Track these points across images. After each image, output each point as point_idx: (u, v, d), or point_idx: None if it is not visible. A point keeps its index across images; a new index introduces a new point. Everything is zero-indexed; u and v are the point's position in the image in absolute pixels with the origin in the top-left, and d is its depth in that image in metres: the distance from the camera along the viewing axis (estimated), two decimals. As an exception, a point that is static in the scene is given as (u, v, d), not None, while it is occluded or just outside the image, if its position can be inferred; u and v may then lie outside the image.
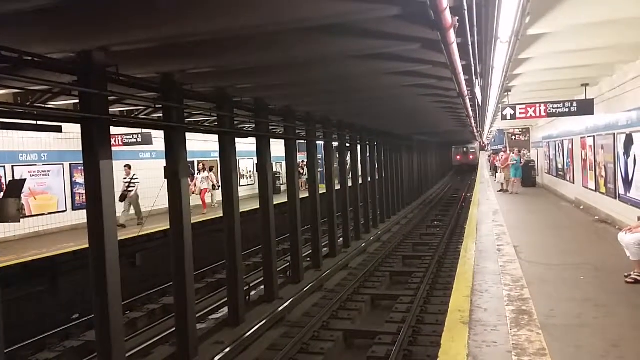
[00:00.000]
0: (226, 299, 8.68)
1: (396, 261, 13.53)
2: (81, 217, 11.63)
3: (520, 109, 10.81)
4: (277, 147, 12.41)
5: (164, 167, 7.02)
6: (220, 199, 8.85)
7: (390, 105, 11.78)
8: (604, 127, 10.51)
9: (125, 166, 12.72)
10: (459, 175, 47.72)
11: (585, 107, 10.34)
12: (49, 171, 11.95)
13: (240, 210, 8.75)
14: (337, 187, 15.01)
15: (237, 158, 8.99)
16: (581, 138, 12.94)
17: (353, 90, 9.30)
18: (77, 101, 6.27)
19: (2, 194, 7.31)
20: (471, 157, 50.09)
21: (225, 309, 8.82)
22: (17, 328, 7.82)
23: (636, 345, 4.21)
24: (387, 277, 11.86)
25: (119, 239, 5.86)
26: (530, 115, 10.81)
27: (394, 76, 7.80)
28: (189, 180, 9.22)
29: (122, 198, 12.23)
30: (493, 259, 7.47)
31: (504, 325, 4.68)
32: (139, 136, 12.98)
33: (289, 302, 9.54)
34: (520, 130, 27.28)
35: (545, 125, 19.01)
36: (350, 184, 16.61)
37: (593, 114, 10.38)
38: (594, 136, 11.52)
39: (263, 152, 9.78)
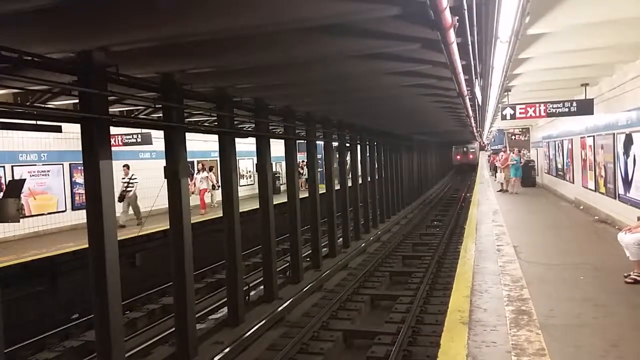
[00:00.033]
0: (226, 299, 8.68)
1: (396, 261, 13.53)
2: (81, 217, 11.63)
3: (520, 108, 10.82)
4: (277, 147, 12.41)
5: (164, 167, 7.02)
6: (220, 198, 8.84)
7: (390, 105, 11.78)
8: (604, 127, 10.51)
9: (123, 166, 12.70)
10: (458, 175, 47.75)
11: (585, 107, 10.34)
12: (48, 171, 11.95)
13: (240, 210, 8.75)
14: (337, 187, 15.02)
15: (237, 158, 8.99)
16: (581, 138, 12.95)
17: (353, 90, 9.30)
18: (77, 101, 6.27)
19: (1, 194, 7.30)
20: (471, 156, 50.16)
21: (225, 309, 8.82)
22: (17, 328, 7.82)
23: (636, 345, 4.21)
24: (386, 277, 11.86)
25: (118, 239, 5.86)
26: (530, 115, 10.82)
27: (393, 76, 7.80)
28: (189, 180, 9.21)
29: (121, 198, 12.22)
30: (493, 259, 7.47)
31: (504, 325, 4.68)
32: (139, 136, 12.98)
33: (288, 302, 9.54)
34: (520, 130, 27.29)
35: (545, 125, 19.01)
36: (350, 184, 16.61)
37: (593, 114, 10.39)
38: (593, 136, 11.52)
39: (263, 152, 9.78)
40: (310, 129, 12.25)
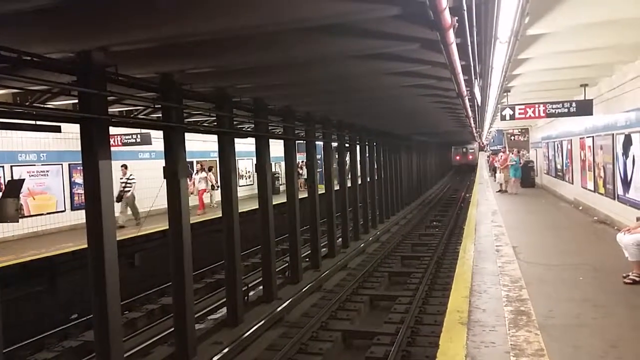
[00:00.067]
0: (225, 299, 8.67)
1: (395, 261, 13.52)
2: (80, 217, 11.62)
3: (519, 109, 10.83)
4: (276, 148, 12.41)
5: (163, 167, 7.02)
6: (220, 199, 8.84)
7: (390, 106, 11.78)
8: (603, 128, 10.52)
9: (122, 166, 12.69)
10: (458, 176, 47.77)
11: (584, 108, 10.35)
12: (47, 171, 11.95)
13: (239, 211, 8.75)
14: (336, 187, 15.01)
15: (236, 158, 8.98)
16: (580, 138, 12.96)
17: (353, 91, 9.30)
18: (76, 101, 6.26)
19: (0, 193, 7.29)
20: (470, 157, 50.24)
21: (224, 309, 8.82)
22: (16, 328, 7.81)
23: (635, 346, 4.21)
24: (385, 277, 11.87)
25: (117, 239, 5.86)
26: (530, 115, 10.83)
27: (393, 76, 7.80)
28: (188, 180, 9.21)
29: (119, 198, 12.21)
30: (492, 260, 7.47)
31: (503, 325, 4.68)
32: (138, 136, 12.97)
33: (287, 302, 9.54)
34: (520, 130, 27.33)
35: (545, 125, 19.03)
36: (349, 184, 16.61)
37: (592, 115, 10.40)
38: (592, 137, 11.53)
39: (262, 153, 9.78)
40: (309, 129, 12.24)
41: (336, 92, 9.35)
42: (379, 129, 19.29)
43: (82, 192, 6.27)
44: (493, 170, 26.04)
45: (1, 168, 10.90)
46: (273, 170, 18.55)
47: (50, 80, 5.39)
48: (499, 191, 18.77)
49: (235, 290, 8.30)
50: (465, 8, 3.98)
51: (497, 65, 6.34)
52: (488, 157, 40.52)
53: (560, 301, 5.45)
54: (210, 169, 16.26)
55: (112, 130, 6.28)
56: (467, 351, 4.13)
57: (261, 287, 10.05)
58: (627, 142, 8.78)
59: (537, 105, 10.63)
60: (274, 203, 10.12)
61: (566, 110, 10.41)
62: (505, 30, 4.76)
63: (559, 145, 16.29)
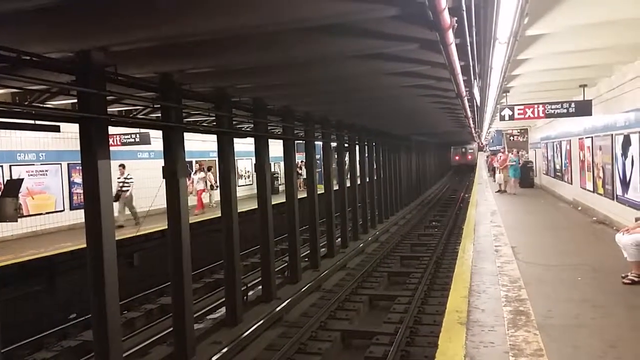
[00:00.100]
0: (224, 299, 8.67)
1: (394, 262, 13.53)
2: (79, 216, 11.62)
3: (518, 109, 10.84)
4: (276, 148, 12.40)
5: (162, 167, 7.01)
6: (219, 199, 8.84)
7: (389, 106, 11.79)
8: (602, 128, 10.53)
9: (119, 166, 12.67)
10: (457, 176, 47.79)
11: (584, 108, 10.36)
12: (46, 171, 11.93)
13: (239, 211, 8.74)
14: (336, 187, 15.01)
15: (236, 158, 8.97)
16: (579, 139, 12.97)
17: (352, 91, 9.31)
18: (76, 101, 6.25)
19: None
20: (469, 157, 50.27)
21: (223, 309, 8.82)
22: (15, 328, 7.81)
23: (634, 346, 4.22)
24: (385, 277, 11.87)
25: (116, 238, 5.86)
26: (529, 116, 10.84)
27: (393, 77, 7.81)
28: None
29: (116, 198, 12.18)
30: (491, 260, 7.47)
31: (502, 325, 4.69)
32: (137, 136, 12.96)
33: (286, 302, 9.54)
34: (519, 131, 27.36)
35: (544, 126, 19.05)
36: (348, 184, 16.61)
37: (591, 115, 10.41)
38: (592, 137, 11.54)
39: (261, 152, 9.77)
40: (309, 129, 12.24)
41: (336, 92, 9.35)
42: (378, 129, 19.30)
43: (81, 191, 6.26)
44: (492, 170, 26.05)
45: (0, 167, 10.88)
46: (272, 170, 18.56)
47: (49, 79, 5.39)
48: (498, 191, 18.78)
49: (235, 290, 8.30)
50: (464, 8, 3.98)
51: (496, 65, 6.35)
52: (487, 157, 40.55)
53: (559, 301, 5.46)
54: (209, 169, 16.25)
55: (111, 129, 6.28)
56: (466, 351, 4.13)
57: (260, 286, 10.05)
58: (626, 143, 8.79)
59: (536, 106, 10.65)
60: (273, 203, 10.13)
61: (565, 110, 10.42)
62: (505, 31, 4.76)
63: (558, 146, 16.30)
